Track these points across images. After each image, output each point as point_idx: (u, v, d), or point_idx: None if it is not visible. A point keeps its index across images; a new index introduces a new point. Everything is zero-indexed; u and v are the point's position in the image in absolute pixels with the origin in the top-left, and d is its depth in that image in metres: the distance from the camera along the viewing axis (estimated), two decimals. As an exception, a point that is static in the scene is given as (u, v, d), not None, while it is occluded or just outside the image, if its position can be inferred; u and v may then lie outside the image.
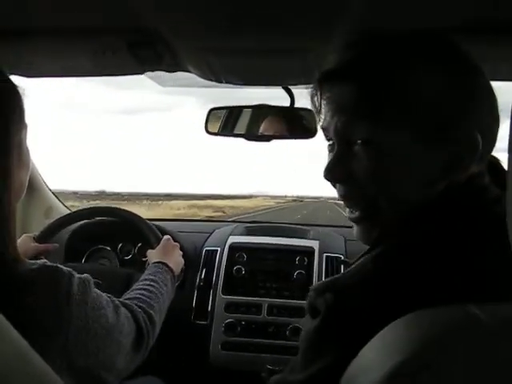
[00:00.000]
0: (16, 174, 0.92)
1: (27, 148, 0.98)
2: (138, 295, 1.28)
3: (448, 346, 0.44)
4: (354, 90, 0.75)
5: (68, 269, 0.96)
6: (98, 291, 1.02)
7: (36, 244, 1.69)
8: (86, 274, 1.00)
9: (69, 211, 2.28)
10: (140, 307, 1.20)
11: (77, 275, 0.96)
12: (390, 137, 0.71)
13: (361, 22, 1.02)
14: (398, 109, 0.71)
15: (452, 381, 0.42)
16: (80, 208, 2.07)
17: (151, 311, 1.23)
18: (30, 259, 1.47)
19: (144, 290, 1.32)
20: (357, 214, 0.82)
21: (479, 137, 0.69)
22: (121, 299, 1.19)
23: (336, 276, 0.73)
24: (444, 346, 0.44)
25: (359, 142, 0.74)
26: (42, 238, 1.77)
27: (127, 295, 1.28)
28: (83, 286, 0.96)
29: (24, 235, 1.69)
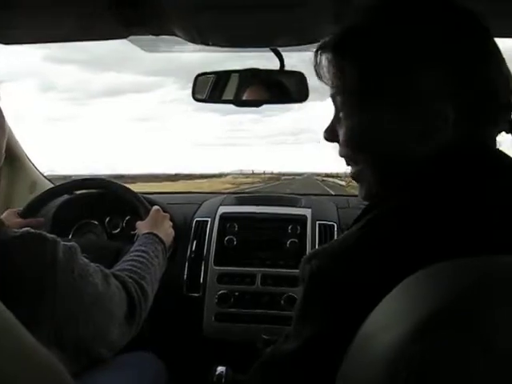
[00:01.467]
0: None
1: (2, 114, 0.94)
2: (128, 266, 1.25)
3: (487, 293, 0.41)
4: (342, 66, 0.75)
5: (53, 236, 0.93)
6: (86, 259, 1.00)
7: (20, 219, 1.65)
8: (72, 242, 0.97)
9: (52, 185, 2.23)
10: (131, 278, 1.18)
11: (62, 242, 0.93)
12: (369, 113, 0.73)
13: None
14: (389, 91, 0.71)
15: (496, 329, 0.38)
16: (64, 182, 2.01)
17: (143, 282, 1.21)
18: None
19: (135, 261, 1.29)
20: (352, 170, 0.82)
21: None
22: (111, 270, 1.16)
23: (326, 244, 0.73)
24: (484, 293, 0.41)
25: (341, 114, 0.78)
26: (27, 213, 1.73)
27: (117, 266, 1.25)
28: (69, 252, 0.93)
29: (8, 210, 1.65)
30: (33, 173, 2.23)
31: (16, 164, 2.07)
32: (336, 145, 0.81)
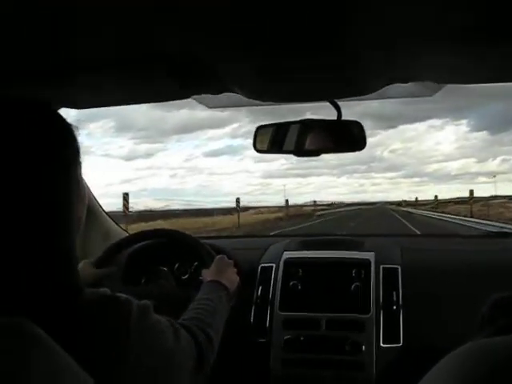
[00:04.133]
0: (76, 209, 0.95)
1: (83, 184, 1.01)
2: (195, 314, 1.29)
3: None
4: None
5: (126, 297, 0.97)
6: (157, 316, 1.03)
7: (95, 269, 1.73)
8: (144, 300, 1.01)
9: (126, 234, 2.34)
10: (198, 327, 1.22)
11: (135, 302, 0.97)
12: None
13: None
14: None
15: None
16: (136, 231, 2.11)
17: (209, 330, 1.24)
18: (90, 285, 1.53)
19: (201, 309, 1.33)
20: None
21: None
22: (179, 320, 1.21)
23: None
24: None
25: None
26: (100, 262, 1.81)
27: (185, 315, 1.29)
28: (142, 313, 0.97)
29: (83, 261, 1.73)
30: (106, 222, 2.35)
31: (90, 214, 2.18)
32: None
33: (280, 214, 40.14)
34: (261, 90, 1.44)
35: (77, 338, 0.85)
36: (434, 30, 1.07)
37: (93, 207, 2.23)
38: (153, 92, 1.49)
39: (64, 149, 0.93)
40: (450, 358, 0.49)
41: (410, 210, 56.44)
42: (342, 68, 1.28)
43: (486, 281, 1.64)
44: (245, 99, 1.50)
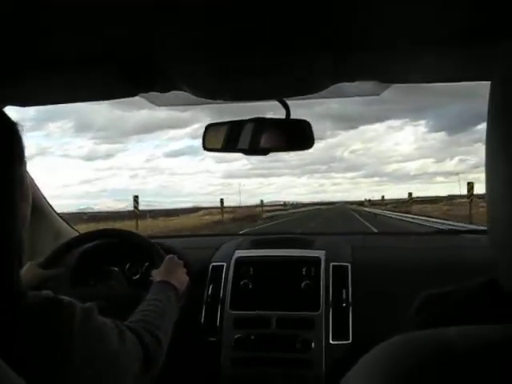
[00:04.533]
0: (20, 208, 0.94)
1: (27, 182, 0.99)
2: (142, 317, 1.28)
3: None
4: None
5: (69, 299, 0.96)
6: (102, 318, 1.03)
7: (40, 271, 1.70)
8: (88, 303, 1.00)
9: (77, 233, 2.30)
10: (146, 329, 1.21)
11: (79, 305, 0.96)
12: None
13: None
14: None
15: None
16: (85, 231, 2.07)
17: (157, 332, 1.24)
18: (36, 286, 1.49)
19: (148, 310, 1.32)
20: None
21: None
22: (126, 323, 1.20)
23: None
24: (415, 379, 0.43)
25: None
26: (48, 263, 1.78)
27: (132, 317, 1.29)
28: (86, 315, 0.96)
29: (28, 263, 1.69)
30: (56, 221, 2.30)
31: (39, 214, 2.14)
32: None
33: (222, 217, 35.02)
34: (209, 89, 1.44)
35: (18, 341, 0.84)
36: (380, 31, 1.09)
37: (42, 207, 2.19)
38: (99, 90, 1.47)
39: (7, 147, 0.91)
40: (377, 350, 0.50)
41: (374, 210, 45.77)
42: (289, 67, 1.29)
43: (436, 277, 1.66)
44: (194, 98, 1.50)
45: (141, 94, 1.50)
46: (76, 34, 1.06)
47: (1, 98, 1.45)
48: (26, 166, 0.98)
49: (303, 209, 72.46)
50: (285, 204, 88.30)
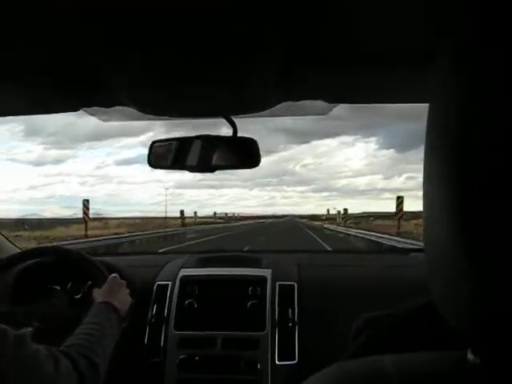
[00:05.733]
0: None
1: None
2: (79, 341, 1.25)
3: None
4: None
5: (2, 326, 0.93)
6: (36, 346, 1.00)
7: None
8: (22, 330, 0.98)
9: (17, 249, 2.22)
10: (81, 354, 1.18)
11: (11, 333, 0.93)
12: None
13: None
14: None
15: None
16: (25, 249, 2.01)
17: (93, 356, 1.20)
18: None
19: (86, 334, 1.29)
20: None
21: None
22: (62, 347, 1.17)
23: None
24: None
25: None
26: None
27: (69, 341, 1.25)
28: (19, 343, 0.93)
29: None
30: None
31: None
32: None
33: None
34: (154, 106, 1.42)
35: None
36: (326, 50, 1.10)
37: None
38: (37, 103, 1.43)
39: None
40: (313, 380, 0.49)
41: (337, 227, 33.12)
42: (235, 85, 1.28)
43: (380, 297, 1.68)
44: (138, 113, 1.47)
45: (84, 109, 1.46)
46: (12, 46, 1.03)
47: None
48: None
49: (243, 222, 62.52)
50: (215, 215, 70.21)
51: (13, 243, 2.37)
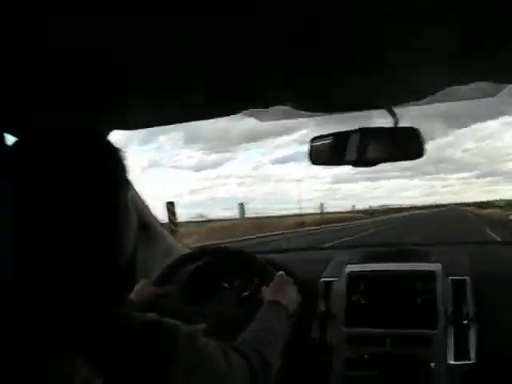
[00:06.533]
0: (125, 236, 0.94)
1: (132, 210, 0.98)
2: (251, 338, 1.27)
3: None
4: None
5: (174, 322, 0.95)
6: (206, 341, 1.01)
7: (154, 288, 1.73)
8: (193, 326, 0.99)
9: (187, 250, 2.33)
10: (253, 350, 1.19)
11: (182, 328, 0.95)
12: None
13: None
14: None
15: None
16: (194, 249, 2.10)
17: (265, 353, 1.21)
18: (149, 304, 1.52)
19: (257, 331, 1.30)
20: None
21: None
22: (234, 343, 1.18)
23: None
24: None
25: None
26: (160, 280, 1.81)
27: (241, 338, 1.27)
28: (189, 339, 0.95)
29: (142, 280, 1.73)
30: (166, 239, 2.35)
31: (149, 232, 2.19)
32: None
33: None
34: (310, 103, 1.41)
35: (119, 365, 0.84)
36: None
37: (151, 225, 2.24)
38: (202, 110, 1.48)
39: (110, 176, 0.91)
40: None
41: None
42: (401, 73, 1.23)
43: None
44: (295, 111, 1.48)
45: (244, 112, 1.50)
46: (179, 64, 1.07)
47: (106, 124, 1.49)
48: (129, 192, 0.97)
49: (397, 214, 54.59)
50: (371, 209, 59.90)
51: (182, 244, 2.49)
